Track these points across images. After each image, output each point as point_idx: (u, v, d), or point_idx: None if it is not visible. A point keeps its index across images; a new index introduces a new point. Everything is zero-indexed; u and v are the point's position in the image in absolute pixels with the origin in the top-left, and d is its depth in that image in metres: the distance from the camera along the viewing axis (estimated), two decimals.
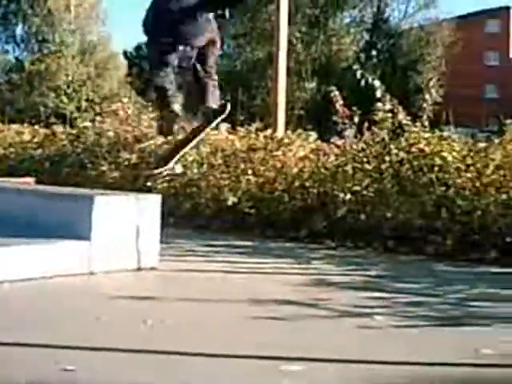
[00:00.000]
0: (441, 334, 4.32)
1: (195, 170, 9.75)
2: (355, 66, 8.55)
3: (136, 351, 3.67)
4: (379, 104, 8.72)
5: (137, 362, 3.52)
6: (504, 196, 7.54)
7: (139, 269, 6.03)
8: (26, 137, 13.40)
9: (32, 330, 4.00)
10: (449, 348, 3.95)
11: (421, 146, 8.25)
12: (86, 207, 5.89)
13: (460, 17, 48.60)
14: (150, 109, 11.27)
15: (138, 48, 38.68)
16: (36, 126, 14.15)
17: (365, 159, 8.45)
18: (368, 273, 6.28)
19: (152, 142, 10.51)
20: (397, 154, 8.28)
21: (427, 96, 9.34)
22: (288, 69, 12.09)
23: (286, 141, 9.65)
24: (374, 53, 35.09)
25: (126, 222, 6.00)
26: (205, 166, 9.77)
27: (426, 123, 8.65)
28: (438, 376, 3.47)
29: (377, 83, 8.56)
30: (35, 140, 13.07)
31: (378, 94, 8.58)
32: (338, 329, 4.38)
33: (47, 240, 5.76)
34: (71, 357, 3.51)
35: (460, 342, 4.07)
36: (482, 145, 8.18)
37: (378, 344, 4.02)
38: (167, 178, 9.07)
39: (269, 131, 10.10)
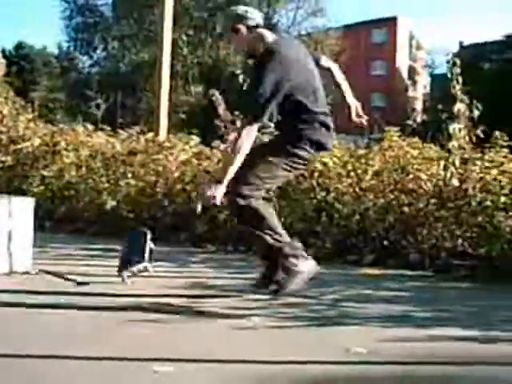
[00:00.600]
0: (314, 334, 4.38)
1: (73, 173, 9.56)
2: (238, 71, 8.54)
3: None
4: None
5: None
6: (382, 200, 7.76)
7: (11, 272, 5.85)
8: None
9: None
10: (321, 347, 4.02)
11: None
12: None
13: (347, 26, 49.76)
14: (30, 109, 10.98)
15: (17, 47, 37.62)
16: None
17: None
18: (247, 276, 6.28)
19: (29, 143, 10.24)
20: None
21: None
22: (174, 72, 12.03)
23: (168, 144, 9.60)
24: None
25: None
26: (83, 168, 9.59)
27: None
28: (308, 374, 3.51)
29: None
30: None
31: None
32: (212, 330, 4.36)
33: None
34: None
35: (333, 341, 4.15)
36: (362, 151, 8.38)
37: (251, 344, 4.03)
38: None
39: (150, 134, 10.02)
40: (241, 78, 8.73)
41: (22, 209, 6.02)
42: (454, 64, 7.85)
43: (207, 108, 21.89)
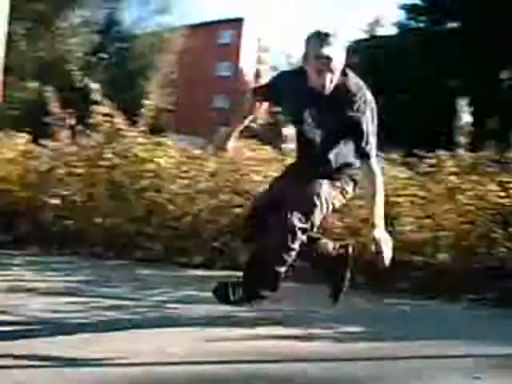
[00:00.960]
0: (136, 337, 4.35)
1: None
2: (73, 67, 8.35)
3: None
4: (96, 107, 8.59)
5: None
6: (214, 201, 7.79)
7: None
8: None
9: None
10: (140, 349, 3.99)
11: (135, 151, 8.27)
12: None
13: (194, 25, 49.72)
14: None
15: None
16: None
17: (77, 163, 8.30)
18: (70, 278, 6.15)
19: None
20: (110, 159, 8.22)
21: (147, 101, 9.37)
22: (9, 67, 11.60)
23: None
24: (104, 56, 34.81)
25: None
26: None
27: (143, 128, 8.67)
28: (129, 376, 3.49)
29: (94, 86, 8.41)
30: None
31: (95, 96, 8.45)
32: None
33: None
34: None
35: (150, 343, 4.14)
36: (197, 152, 8.39)
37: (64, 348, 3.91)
38: None
39: None
40: (76, 74, 8.46)
41: None
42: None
43: (40, 105, 21.24)
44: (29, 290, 5.55)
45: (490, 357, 4.24)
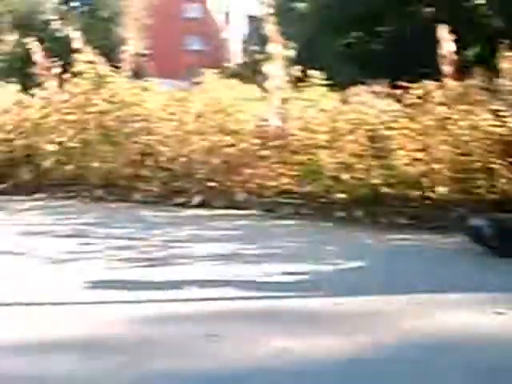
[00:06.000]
0: (149, 274, 4.48)
1: None
2: (51, 17, 8.24)
3: None
4: (79, 55, 8.59)
5: None
6: (205, 143, 7.85)
7: None
8: None
9: None
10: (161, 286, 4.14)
11: (122, 96, 8.33)
12: None
13: None
14: None
15: None
16: None
17: (68, 110, 8.35)
18: (77, 221, 6.30)
19: None
20: (99, 105, 8.28)
21: (128, 47, 9.35)
22: None
23: None
24: (75, 4, 34.24)
25: None
26: None
27: (127, 74, 8.70)
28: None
29: (75, 34, 8.41)
30: None
31: (77, 45, 8.46)
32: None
33: None
34: None
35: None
36: (182, 94, 8.43)
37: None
38: None
39: None
40: (56, 24, 8.41)
41: None
42: (267, 5, 8.06)
43: (24, 57, 21.00)
44: (42, 233, 5.74)
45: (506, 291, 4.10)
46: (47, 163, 8.11)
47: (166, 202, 7.47)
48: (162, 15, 48.36)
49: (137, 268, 4.63)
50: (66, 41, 9.18)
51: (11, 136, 8.58)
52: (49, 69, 8.84)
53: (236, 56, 47.60)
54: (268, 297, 3.98)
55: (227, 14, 58.61)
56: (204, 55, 47.20)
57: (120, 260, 4.86)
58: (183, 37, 55.36)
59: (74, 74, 8.60)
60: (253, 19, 38.18)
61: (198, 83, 8.88)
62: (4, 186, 8.15)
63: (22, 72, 14.90)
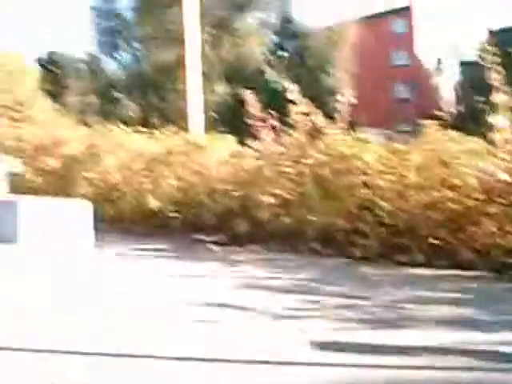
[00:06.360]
0: (374, 336, 4.22)
1: (116, 175, 9.58)
2: (267, 69, 8.24)
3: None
4: (294, 106, 8.56)
5: None
6: (426, 197, 7.46)
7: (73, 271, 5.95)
8: None
9: None
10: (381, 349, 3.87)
11: (340, 148, 8.16)
12: (11, 211, 5.96)
13: (364, 17, 49.06)
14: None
15: (49, 54, 37.94)
16: None
17: (285, 162, 8.32)
18: (294, 276, 6.16)
19: (71, 146, 10.35)
20: (316, 157, 8.16)
21: (340, 97, 9.24)
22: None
23: (204, 144, 9.50)
24: (283, 54, 35.14)
25: (54, 225, 6.07)
26: (125, 170, 9.58)
27: (342, 125, 8.54)
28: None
29: (290, 85, 8.41)
30: None
31: (292, 96, 8.43)
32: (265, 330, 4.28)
33: None
34: None
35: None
36: (400, 147, 8.12)
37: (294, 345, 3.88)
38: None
39: (186, 135, 9.99)
40: (270, 75, 8.39)
41: (80, 211, 6.15)
42: (487, 51, 7.57)
43: (233, 107, 21.71)
44: (260, 287, 5.67)
45: None
46: (263, 215, 8.09)
47: (386, 259, 7.12)
48: (369, 63, 48.64)
49: (361, 330, 4.37)
50: (278, 91, 9.15)
51: (228, 187, 8.68)
52: (264, 120, 8.89)
53: (448, 105, 46.48)
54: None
55: (439, 60, 57.52)
56: (413, 103, 46.54)
57: (343, 320, 4.61)
58: (391, 85, 55.18)
59: (290, 126, 8.59)
60: (467, 65, 37.04)
61: (414, 134, 8.54)
62: (220, 236, 8.19)
63: (232, 123, 15.31)
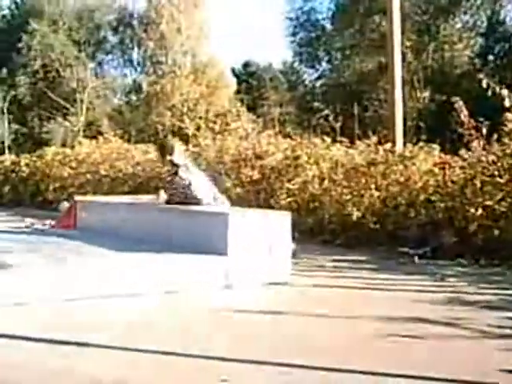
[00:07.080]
0: None
1: (316, 186, 9.75)
2: (481, 75, 8.00)
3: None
4: (509, 114, 8.30)
5: None
6: None
7: (272, 283, 6.07)
8: (152, 155, 13.67)
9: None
10: None
11: None
12: (221, 224, 6.09)
13: None
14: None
15: (245, 65, 39.19)
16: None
17: (496, 172, 8.07)
18: (507, 292, 5.94)
19: (272, 158, 10.63)
20: None
21: None
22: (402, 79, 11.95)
23: (408, 154, 9.44)
24: (490, 58, 33.77)
25: (259, 237, 6.13)
26: (326, 181, 9.73)
27: None
28: None
29: (505, 92, 8.10)
30: None
31: (507, 103, 8.12)
32: (478, 350, 4.12)
33: (189, 255, 6.02)
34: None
35: None
36: None
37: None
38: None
39: (388, 145, 9.97)
40: (484, 81, 8.04)
41: (281, 222, 6.31)
42: None
43: (436, 114, 21.29)
44: (469, 303, 5.49)
45: None
46: (471, 227, 7.84)
47: None
48: None
49: None
50: (487, 97, 8.86)
51: (433, 198, 8.55)
52: (475, 128, 8.69)
53: None
54: None
55: None
56: None
57: None
58: None
59: (502, 134, 8.34)
60: None
61: None
62: (424, 248, 8.09)
63: (437, 131, 15.04)
